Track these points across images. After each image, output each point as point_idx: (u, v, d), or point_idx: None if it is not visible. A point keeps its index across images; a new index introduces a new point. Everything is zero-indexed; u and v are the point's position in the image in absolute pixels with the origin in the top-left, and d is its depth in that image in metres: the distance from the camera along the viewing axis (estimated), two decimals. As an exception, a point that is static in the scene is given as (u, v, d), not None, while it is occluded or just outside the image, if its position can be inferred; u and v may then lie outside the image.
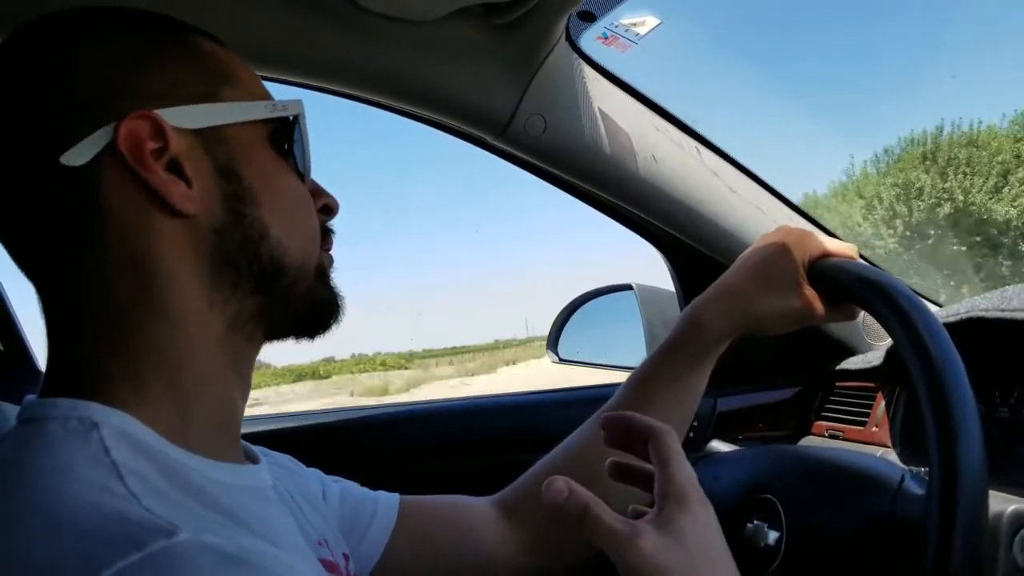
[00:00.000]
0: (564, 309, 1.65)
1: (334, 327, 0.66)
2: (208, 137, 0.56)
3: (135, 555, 0.40)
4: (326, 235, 0.66)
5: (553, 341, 1.62)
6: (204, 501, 0.51)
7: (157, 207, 0.53)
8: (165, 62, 0.56)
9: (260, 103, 0.60)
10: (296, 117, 0.62)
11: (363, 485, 0.83)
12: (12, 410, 0.91)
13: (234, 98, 0.58)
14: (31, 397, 0.54)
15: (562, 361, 1.60)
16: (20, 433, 0.52)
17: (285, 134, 0.61)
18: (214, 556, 0.42)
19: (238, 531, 0.50)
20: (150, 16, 0.58)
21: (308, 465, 0.79)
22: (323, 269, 0.64)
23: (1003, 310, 0.97)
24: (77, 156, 0.52)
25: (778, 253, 0.82)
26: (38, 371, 1.27)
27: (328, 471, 0.81)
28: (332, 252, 0.67)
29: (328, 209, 0.66)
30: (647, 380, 0.86)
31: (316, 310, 0.64)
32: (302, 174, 0.63)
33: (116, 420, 0.50)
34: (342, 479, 0.81)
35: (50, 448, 0.49)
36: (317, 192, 0.65)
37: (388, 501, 0.81)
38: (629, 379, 0.88)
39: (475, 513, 0.86)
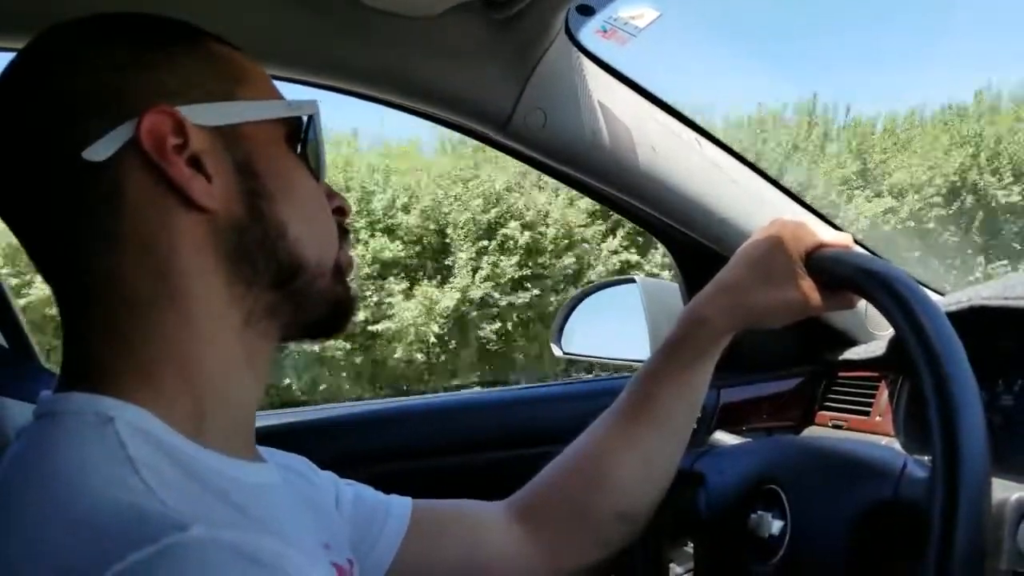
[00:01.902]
0: (568, 302, 1.66)
1: (348, 327, 0.67)
2: (226, 135, 0.57)
3: (148, 548, 0.41)
4: (345, 235, 0.66)
5: (557, 334, 1.62)
6: (219, 496, 0.51)
7: (178, 202, 0.54)
8: (181, 63, 0.57)
9: (277, 102, 0.61)
10: (311, 117, 0.63)
11: (371, 481, 0.83)
12: (16, 406, 0.91)
13: (249, 97, 0.59)
14: (47, 393, 0.55)
15: (566, 354, 1.61)
16: (36, 428, 0.52)
17: (300, 134, 0.62)
18: (227, 553, 0.42)
19: (254, 528, 0.50)
20: (166, 21, 0.59)
21: (317, 460, 0.79)
22: (340, 268, 0.64)
23: (1006, 298, 0.97)
24: (99, 151, 0.52)
25: (774, 247, 0.82)
26: (42, 368, 1.27)
27: (336, 467, 0.81)
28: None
29: (342, 211, 0.67)
30: (651, 378, 0.87)
31: (332, 309, 0.64)
32: (317, 174, 0.63)
33: (131, 415, 0.51)
34: (355, 483, 0.81)
35: (66, 443, 0.49)
36: (330, 193, 0.66)
37: (400, 506, 0.81)
38: (634, 377, 0.89)
39: (487, 518, 0.85)
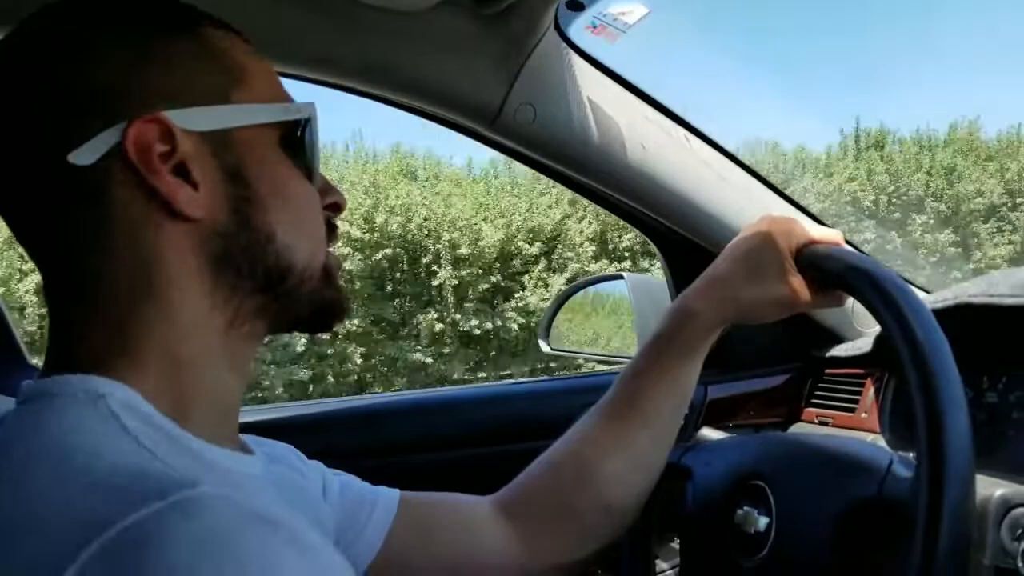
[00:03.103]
0: (556, 298, 1.66)
1: (336, 327, 0.66)
2: (217, 139, 0.55)
3: (157, 504, 0.40)
4: (332, 232, 0.65)
5: (544, 330, 1.62)
6: (212, 473, 0.51)
7: (162, 210, 0.53)
8: (177, 60, 0.55)
9: (272, 106, 0.59)
10: (308, 120, 0.61)
11: (360, 475, 0.83)
12: (1, 400, 0.91)
13: (246, 99, 0.57)
14: (29, 382, 0.54)
15: (554, 351, 1.61)
16: (23, 410, 0.52)
17: (296, 136, 0.61)
18: (238, 509, 0.42)
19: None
20: (164, 4, 0.57)
21: (305, 454, 0.79)
22: (330, 269, 0.63)
23: (991, 296, 0.97)
24: (85, 155, 0.51)
25: (764, 242, 0.82)
26: (28, 363, 1.26)
27: (326, 461, 0.81)
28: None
29: (336, 207, 0.66)
30: (639, 374, 0.86)
31: (319, 309, 0.63)
32: (311, 175, 0.62)
33: (120, 393, 0.51)
34: (343, 473, 0.81)
35: (59, 414, 0.49)
36: (326, 189, 0.64)
37: (388, 497, 0.81)
38: (622, 373, 0.88)
39: (474, 511, 0.85)
